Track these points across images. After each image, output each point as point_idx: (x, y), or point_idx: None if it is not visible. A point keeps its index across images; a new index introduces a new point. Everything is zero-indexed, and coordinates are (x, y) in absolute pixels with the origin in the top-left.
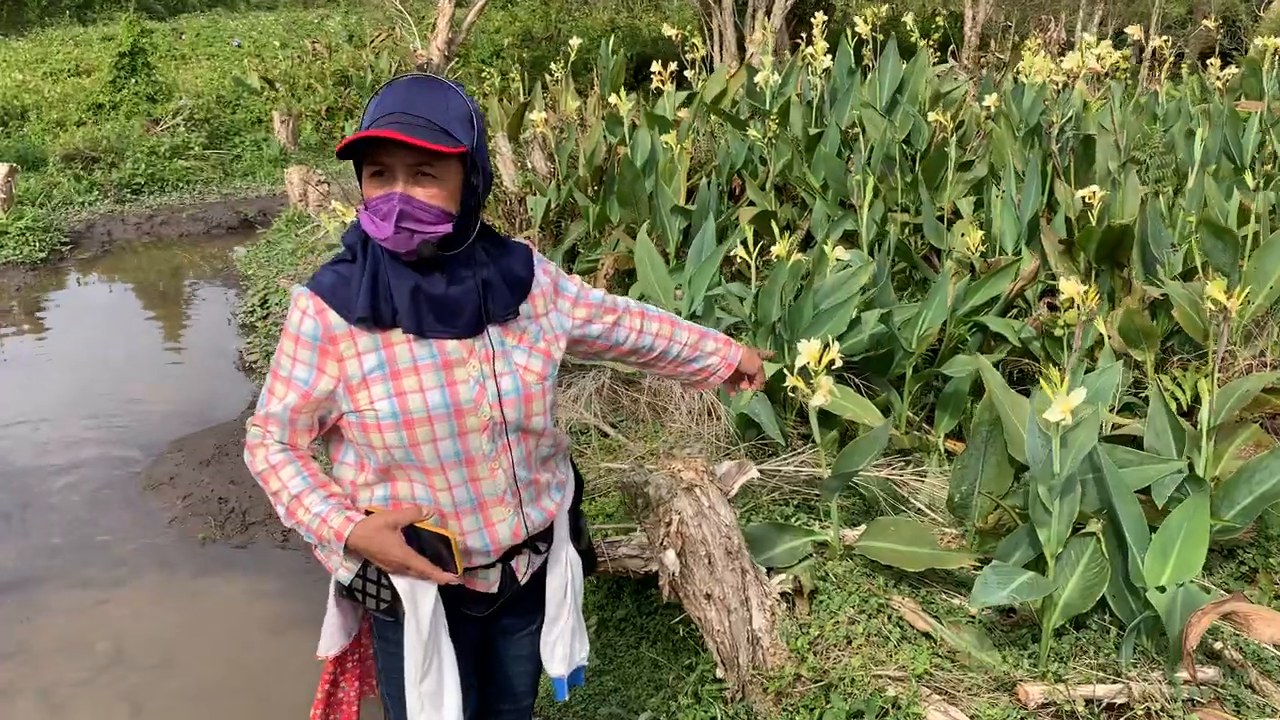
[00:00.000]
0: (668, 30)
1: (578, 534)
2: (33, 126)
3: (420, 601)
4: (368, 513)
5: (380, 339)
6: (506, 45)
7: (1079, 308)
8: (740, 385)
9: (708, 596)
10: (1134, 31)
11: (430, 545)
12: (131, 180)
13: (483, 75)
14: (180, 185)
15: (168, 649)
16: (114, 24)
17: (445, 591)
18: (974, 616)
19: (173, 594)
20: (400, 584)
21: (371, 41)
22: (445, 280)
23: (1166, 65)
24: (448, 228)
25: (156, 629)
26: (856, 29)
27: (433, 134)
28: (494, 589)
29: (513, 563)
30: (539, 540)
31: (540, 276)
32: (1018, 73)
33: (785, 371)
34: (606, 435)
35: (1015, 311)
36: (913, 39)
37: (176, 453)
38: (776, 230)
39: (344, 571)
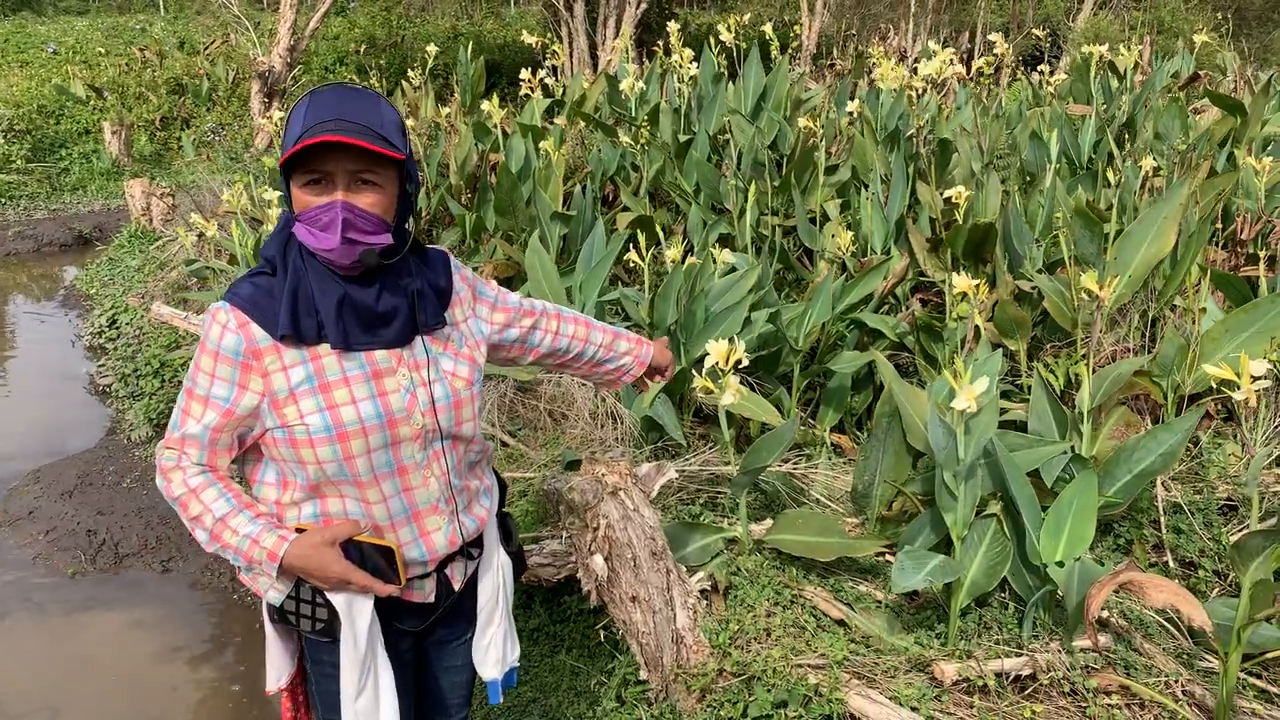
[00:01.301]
0: (528, 38)
1: (508, 536)
2: None
3: (357, 617)
4: (299, 531)
5: (307, 352)
6: (352, 51)
7: (971, 300)
8: (652, 379)
9: (634, 599)
10: (996, 39)
11: (371, 558)
12: None
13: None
14: (2, 201)
15: (49, 694)
16: None
17: (380, 606)
18: (881, 601)
19: (47, 635)
20: (337, 600)
21: (206, 48)
22: (377, 291)
23: (1010, 71)
24: (388, 237)
25: (33, 675)
26: (721, 37)
27: (376, 139)
28: (430, 599)
29: (447, 570)
30: (472, 546)
31: (458, 284)
32: (872, 80)
33: (692, 373)
34: (507, 444)
35: (887, 308)
36: (773, 48)
37: (34, 485)
38: (661, 235)
39: (274, 593)
